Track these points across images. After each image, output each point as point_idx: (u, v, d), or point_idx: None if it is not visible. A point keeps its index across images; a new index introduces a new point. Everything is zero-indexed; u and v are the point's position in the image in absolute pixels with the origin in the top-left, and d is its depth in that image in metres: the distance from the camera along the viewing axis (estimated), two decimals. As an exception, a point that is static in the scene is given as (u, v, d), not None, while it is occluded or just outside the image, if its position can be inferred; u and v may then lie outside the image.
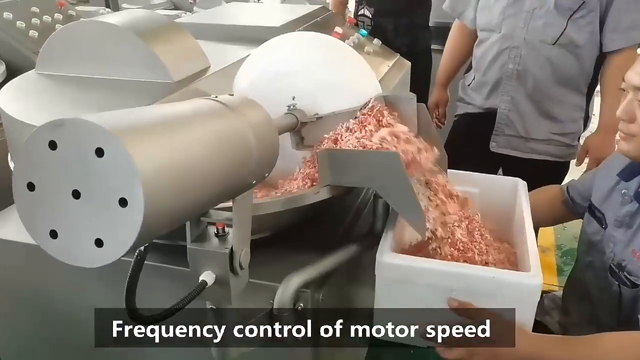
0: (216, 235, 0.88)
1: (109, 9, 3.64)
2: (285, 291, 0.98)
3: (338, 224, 1.19)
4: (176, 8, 4.25)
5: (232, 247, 0.84)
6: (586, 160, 1.85)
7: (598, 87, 1.83)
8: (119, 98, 1.15)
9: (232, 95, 0.84)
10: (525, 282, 0.89)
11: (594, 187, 1.30)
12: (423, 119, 1.20)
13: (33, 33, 1.97)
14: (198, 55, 1.31)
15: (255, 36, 1.65)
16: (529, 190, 1.25)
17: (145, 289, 1.06)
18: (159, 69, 1.18)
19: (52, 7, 2.16)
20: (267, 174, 0.85)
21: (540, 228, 1.82)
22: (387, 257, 0.96)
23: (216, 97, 0.79)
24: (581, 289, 1.31)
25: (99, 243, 0.54)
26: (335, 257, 1.05)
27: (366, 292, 1.33)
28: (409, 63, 2.00)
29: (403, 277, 0.95)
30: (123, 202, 0.53)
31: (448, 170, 1.20)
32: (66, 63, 1.22)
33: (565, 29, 1.68)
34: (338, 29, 1.85)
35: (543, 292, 1.53)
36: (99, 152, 0.52)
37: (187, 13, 3.86)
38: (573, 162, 1.92)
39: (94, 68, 1.21)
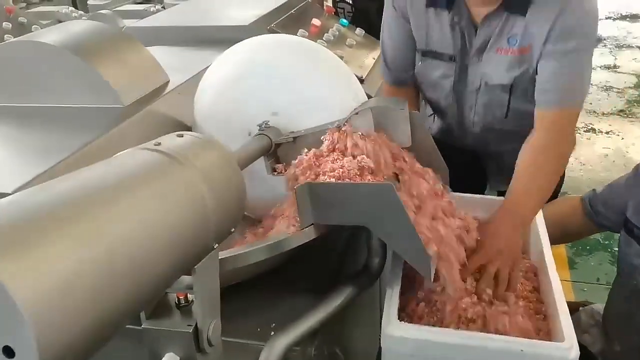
0: (177, 306, 0.72)
1: (73, 8, 3.42)
2: (270, 356, 0.82)
3: (327, 258, 1.03)
4: (146, 1, 4.02)
5: (196, 324, 0.68)
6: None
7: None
8: (61, 130, 0.97)
9: (181, 134, 0.67)
10: (559, 356, 0.74)
11: (630, 201, 1.14)
12: (417, 127, 1.04)
13: (-21, 46, 1.76)
14: (153, 70, 1.13)
15: (222, 37, 1.48)
16: None
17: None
18: (105, 92, 1.01)
19: (-1, 15, 1.95)
20: (233, 229, 0.69)
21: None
22: (395, 329, 0.81)
23: (158, 144, 0.63)
24: (625, 314, 1.16)
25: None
26: (327, 306, 0.88)
27: (365, 333, 1.18)
28: (396, 52, 1.82)
29: (415, 351, 0.80)
30: (9, 352, 0.37)
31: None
32: (-4, 92, 1.04)
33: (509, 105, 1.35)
34: (316, 21, 1.67)
35: (578, 302, 1.39)
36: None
37: (157, 5, 3.65)
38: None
39: (29, 95, 1.03)
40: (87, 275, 0.41)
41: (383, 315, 0.82)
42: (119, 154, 0.60)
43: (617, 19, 6.33)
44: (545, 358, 0.75)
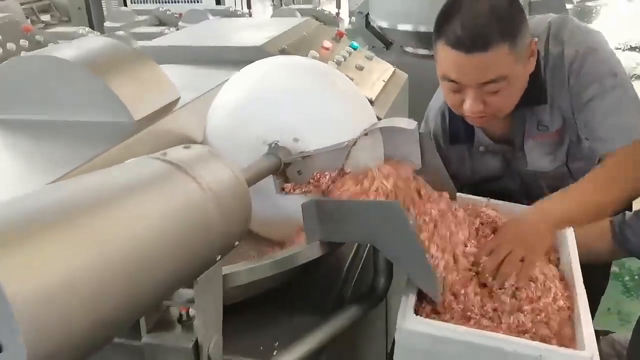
0: (179, 321, 0.71)
1: (90, 29, 3.50)
2: (273, 375, 0.81)
3: (333, 277, 1.01)
4: (161, 23, 4.10)
5: (197, 340, 0.67)
6: None
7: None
8: (70, 143, 0.98)
9: (188, 146, 0.67)
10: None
11: None
12: (426, 148, 1.03)
13: (-5, 63, 1.78)
14: (164, 86, 1.14)
15: (234, 57, 1.49)
16: None
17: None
18: (115, 107, 1.01)
19: (17, 33, 1.98)
20: (237, 242, 0.68)
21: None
22: (410, 323, 0.78)
23: (164, 154, 0.63)
24: None
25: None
26: (332, 325, 0.87)
27: (372, 353, 1.16)
28: (405, 75, 1.83)
29: (429, 347, 0.77)
30: (-2, 347, 0.37)
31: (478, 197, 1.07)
32: (9, 105, 1.05)
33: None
34: (327, 43, 1.69)
35: (597, 331, 1.34)
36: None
37: (172, 29, 3.71)
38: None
39: (41, 109, 1.04)
40: (84, 278, 0.40)
41: (399, 311, 0.80)
42: (124, 162, 0.60)
43: (627, 50, 6.36)
44: None
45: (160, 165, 0.59)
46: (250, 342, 0.84)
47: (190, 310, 0.71)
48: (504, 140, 1.34)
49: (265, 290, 0.91)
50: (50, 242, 0.41)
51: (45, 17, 4.24)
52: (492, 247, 0.94)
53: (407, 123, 1.00)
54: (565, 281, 0.91)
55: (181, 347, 0.66)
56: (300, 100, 1.00)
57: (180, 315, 0.71)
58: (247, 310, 0.89)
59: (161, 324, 0.70)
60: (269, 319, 0.90)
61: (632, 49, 6.40)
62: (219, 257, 0.64)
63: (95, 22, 4.46)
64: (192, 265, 0.59)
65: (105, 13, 4.58)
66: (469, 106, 1.12)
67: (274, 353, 0.82)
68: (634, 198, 1.15)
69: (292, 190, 1.00)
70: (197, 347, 0.66)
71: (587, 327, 0.77)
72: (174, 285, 0.57)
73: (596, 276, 1.35)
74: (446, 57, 1.09)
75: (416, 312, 0.83)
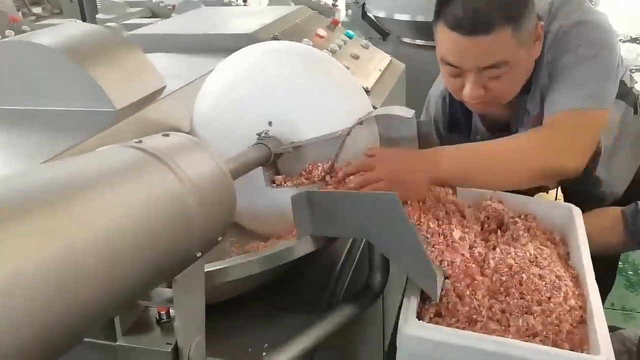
0: (158, 322, 0.66)
1: (81, 21, 3.43)
2: (262, 379, 0.76)
3: (327, 273, 0.96)
4: (154, 15, 4.02)
5: (176, 342, 0.62)
6: None
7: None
8: (48, 133, 0.93)
9: (167, 134, 0.61)
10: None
11: None
12: (425, 135, 0.99)
13: (-21, 54, 1.72)
14: (149, 75, 1.09)
15: (225, 45, 1.43)
16: None
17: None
18: (96, 95, 0.96)
19: (2, 24, 1.92)
20: (220, 238, 0.63)
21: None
22: (412, 328, 0.73)
23: (140, 141, 0.58)
24: None
25: None
26: (325, 325, 0.82)
27: (366, 353, 1.12)
28: (402, 65, 1.77)
29: (432, 353, 0.72)
30: None
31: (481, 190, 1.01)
32: (-16, 93, 1.00)
33: None
34: (321, 31, 1.63)
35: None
36: None
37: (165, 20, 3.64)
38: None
39: (18, 97, 0.99)
40: (39, 276, 0.35)
41: (401, 315, 0.75)
42: (95, 150, 0.55)
43: (627, 41, 6.29)
44: None
45: (134, 154, 0.54)
46: (236, 343, 0.79)
47: (170, 310, 0.66)
48: (503, 129, 1.29)
49: (254, 288, 0.86)
50: (11, 232, 0.36)
51: (37, 10, 4.16)
52: (364, 167, 0.94)
53: (404, 111, 0.95)
54: (575, 278, 0.86)
55: (159, 350, 0.61)
56: (293, 87, 0.95)
57: (159, 315, 0.66)
58: (233, 310, 0.84)
59: (139, 326, 0.65)
60: (258, 318, 0.85)
61: (632, 40, 6.34)
62: (199, 253, 0.59)
63: (87, 14, 4.39)
64: (169, 262, 0.54)
65: (98, 6, 4.50)
66: (468, 91, 1.06)
67: (263, 355, 0.77)
68: (558, 175, 1.03)
69: (283, 183, 0.95)
70: (176, 350, 0.61)
71: (601, 329, 0.72)
72: (149, 283, 0.52)
73: (603, 273, 1.30)
74: (445, 40, 1.04)
75: (419, 314, 0.77)
